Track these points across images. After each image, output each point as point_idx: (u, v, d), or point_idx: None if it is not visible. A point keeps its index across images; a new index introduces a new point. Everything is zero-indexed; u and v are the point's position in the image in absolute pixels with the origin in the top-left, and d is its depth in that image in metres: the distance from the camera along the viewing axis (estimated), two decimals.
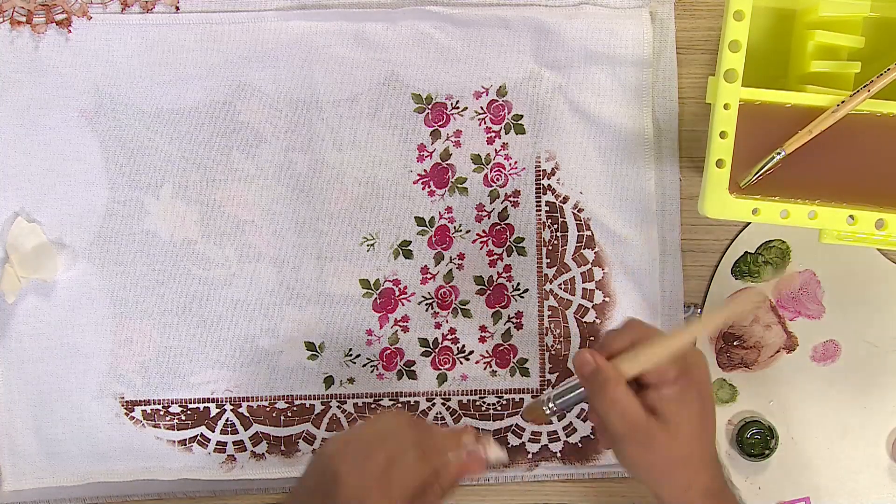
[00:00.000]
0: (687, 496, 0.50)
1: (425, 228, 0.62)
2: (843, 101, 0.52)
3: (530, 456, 0.63)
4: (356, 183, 0.61)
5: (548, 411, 0.50)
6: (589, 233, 0.62)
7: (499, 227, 0.62)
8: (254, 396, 0.62)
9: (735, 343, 0.64)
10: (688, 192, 0.63)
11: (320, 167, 0.61)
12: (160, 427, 0.62)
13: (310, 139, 0.61)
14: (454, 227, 0.62)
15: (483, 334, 0.63)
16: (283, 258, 0.61)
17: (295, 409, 0.63)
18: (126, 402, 0.62)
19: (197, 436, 0.62)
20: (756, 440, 0.63)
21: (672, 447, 0.49)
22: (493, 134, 0.61)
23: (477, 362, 0.63)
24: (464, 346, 0.63)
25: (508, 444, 0.63)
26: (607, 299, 0.62)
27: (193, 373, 0.62)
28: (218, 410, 0.62)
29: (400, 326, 0.62)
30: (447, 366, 0.63)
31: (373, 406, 0.63)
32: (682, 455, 0.49)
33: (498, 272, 0.62)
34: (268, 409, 0.63)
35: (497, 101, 0.61)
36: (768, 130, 0.53)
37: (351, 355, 0.62)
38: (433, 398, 0.63)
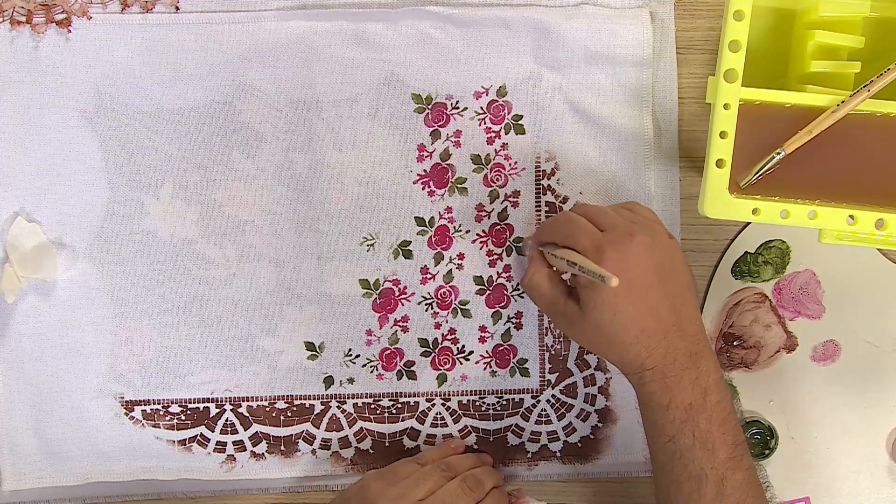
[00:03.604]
0: (638, 377, 0.52)
1: (425, 228, 0.62)
2: (843, 101, 0.52)
3: (530, 455, 0.63)
4: (356, 183, 0.61)
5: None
6: None
7: (498, 227, 0.62)
8: (253, 396, 0.62)
9: (735, 343, 0.64)
10: (688, 192, 0.63)
11: (320, 167, 0.61)
12: (160, 427, 0.62)
13: (310, 139, 0.61)
14: (454, 227, 0.62)
15: (483, 334, 0.63)
16: (283, 258, 0.61)
17: (294, 409, 0.63)
18: (126, 401, 0.62)
19: (197, 436, 0.62)
20: (756, 440, 0.63)
21: (594, 329, 0.51)
22: (493, 134, 0.61)
23: (477, 362, 0.63)
24: (464, 346, 0.63)
25: (508, 443, 0.63)
26: None
27: (193, 373, 0.62)
28: (218, 410, 0.62)
29: (400, 326, 0.62)
30: (447, 366, 0.63)
31: (372, 406, 0.63)
32: (611, 336, 0.51)
33: (498, 272, 0.62)
34: (267, 408, 0.63)
35: (497, 101, 0.61)
36: (768, 130, 0.53)
37: (351, 355, 0.62)
38: (433, 398, 0.63)
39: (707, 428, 0.50)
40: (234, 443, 0.63)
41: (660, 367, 0.51)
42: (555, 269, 0.55)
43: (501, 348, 0.63)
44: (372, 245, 0.62)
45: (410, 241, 0.62)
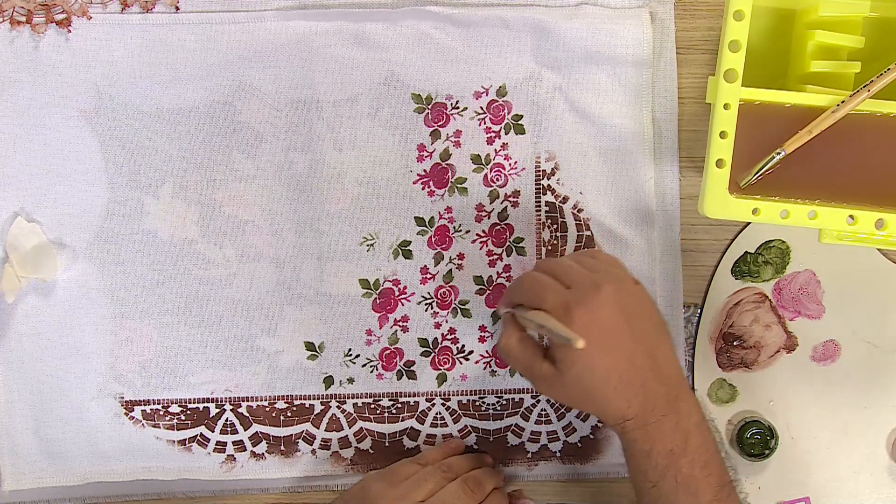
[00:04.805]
0: (620, 427, 0.52)
1: (425, 228, 0.62)
2: (843, 101, 0.52)
3: (529, 455, 0.63)
4: (356, 183, 0.61)
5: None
6: (588, 233, 0.62)
7: (498, 227, 0.62)
8: (253, 396, 0.62)
9: (735, 343, 0.64)
10: (688, 192, 0.63)
11: (320, 167, 0.61)
12: (160, 427, 0.62)
13: (309, 139, 0.61)
14: (454, 227, 0.62)
15: (483, 334, 0.63)
16: (283, 258, 0.61)
17: (294, 409, 0.63)
18: (125, 401, 0.62)
19: (196, 436, 0.62)
20: (756, 440, 0.63)
21: (573, 386, 0.51)
22: (493, 134, 0.61)
23: (476, 362, 0.63)
24: (463, 346, 0.63)
25: (508, 443, 0.63)
26: None
27: (193, 373, 0.62)
28: (217, 410, 0.62)
29: (399, 326, 0.62)
30: (447, 366, 0.63)
31: (372, 406, 0.63)
32: (591, 390, 0.50)
33: (497, 272, 0.62)
34: (267, 409, 0.63)
35: (497, 101, 0.61)
36: (768, 130, 0.53)
37: (350, 355, 0.62)
38: (433, 398, 0.63)
39: (689, 472, 0.50)
40: (234, 443, 0.63)
41: (640, 416, 0.50)
42: (528, 331, 0.54)
43: None
44: (372, 245, 0.62)
45: (410, 241, 0.62)
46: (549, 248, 0.62)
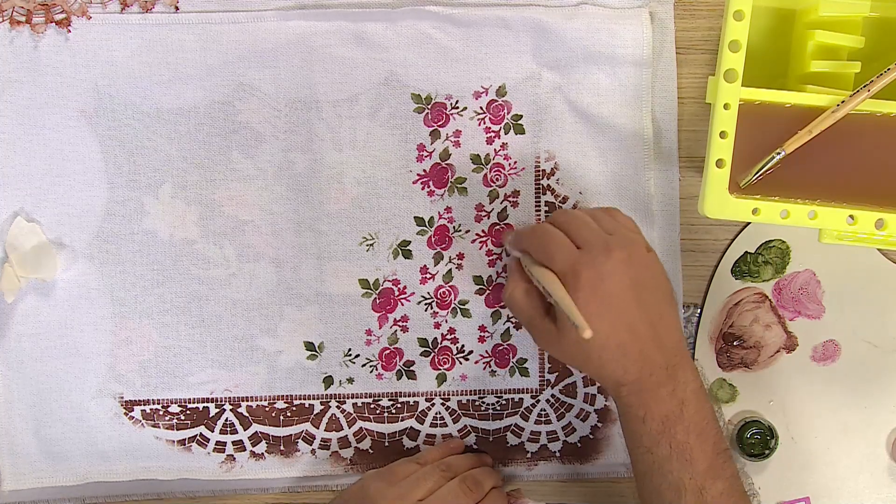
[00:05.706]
0: (615, 391, 0.52)
1: (424, 228, 0.62)
2: (843, 101, 0.52)
3: (529, 455, 0.63)
4: (355, 183, 0.61)
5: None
6: None
7: (498, 227, 0.62)
8: (253, 396, 0.62)
9: (735, 343, 0.64)
10: (688, 192, 0.63)
11: (319, 167, 0.61)
12: (159, 427, 0.62)
13: (309, 139, 0.61)
14: (453, 227, 0.62)
15: (482, 334, 0.63)
16: (283, 258, 0.61)
17: (294, 408, 0.63)
18: (125, 401, 0.62)
19: (196, 436, 0.62)
20: (756, 440, 0.63)
21: (570, 347, 0.51)
22: (493, 134, 0.61)
23: (476, 362, 0.63)
24: (463, 345, 0.63)
25: (507, 443, 0.63)
26: None
27: (192, 373, 0.62)
28: (217, 410, 0.62)
29: (399, 326, 0.62)
30: (446, 366, 0.63)
31: (372, 406, 0.63)
32: (588, 353, 0.51)
33: (497, 272, 0.62)
34: (267, 408, 0.63)
35: (497, 101, 0.61)
36: (768, 130, 0.53)
37: (350, 355, 0.62)
38: (432, 398, 0.63)
39: (684, 439, 0.50)
40: (234, 443, 0.63)
41: (636, 381, 0.51)
42: (533, 282, 0.55)
43: (501, 348, 0.63)
44: (371, 245, 0.62)
45: (410, 241, 0.62)
46: None
